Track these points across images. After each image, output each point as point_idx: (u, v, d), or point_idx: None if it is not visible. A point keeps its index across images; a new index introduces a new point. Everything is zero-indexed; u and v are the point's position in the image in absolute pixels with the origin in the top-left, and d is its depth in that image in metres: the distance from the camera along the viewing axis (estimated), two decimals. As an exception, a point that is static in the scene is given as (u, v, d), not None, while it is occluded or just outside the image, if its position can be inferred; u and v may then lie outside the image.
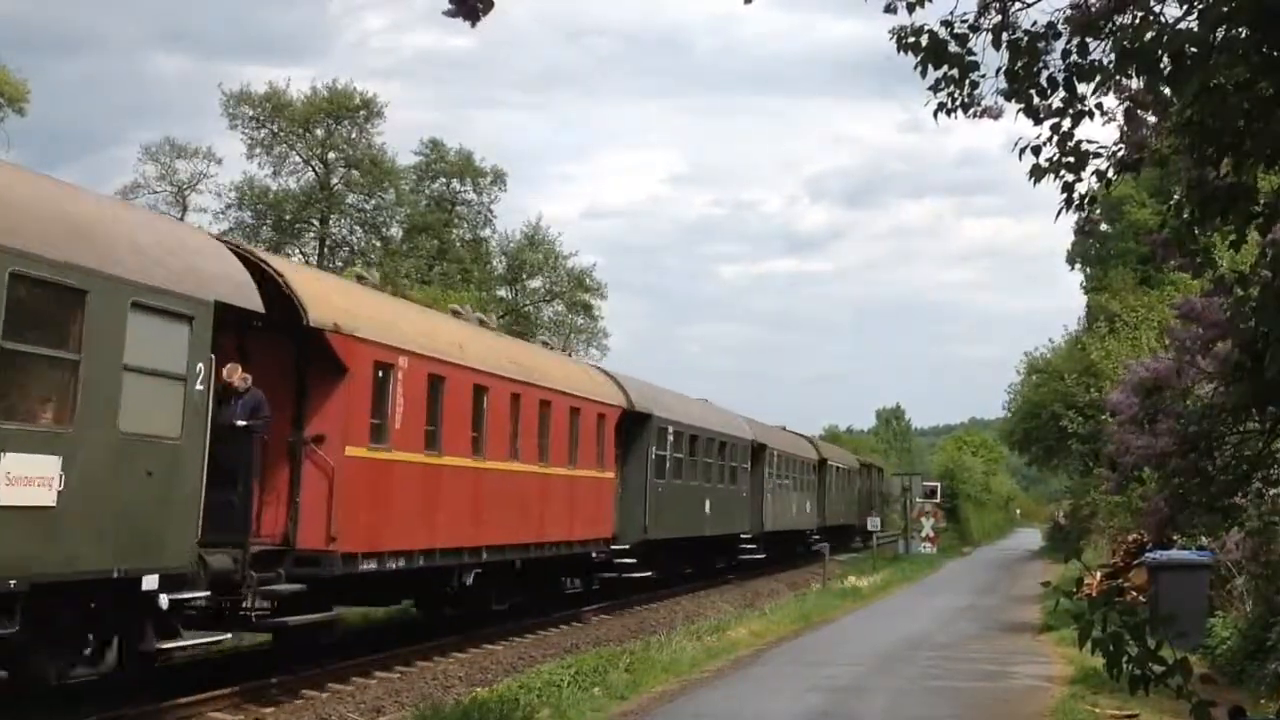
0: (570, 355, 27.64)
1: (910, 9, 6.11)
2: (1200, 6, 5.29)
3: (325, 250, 45.62)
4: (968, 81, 6.25)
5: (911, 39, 6.12)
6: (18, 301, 8.61)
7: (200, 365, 10.54)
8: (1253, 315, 6.80)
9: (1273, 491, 10.48)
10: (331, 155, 45.48)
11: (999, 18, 6.07)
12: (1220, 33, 4.99)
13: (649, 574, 22.77)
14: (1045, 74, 6.03)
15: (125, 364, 9.65)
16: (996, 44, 6.09)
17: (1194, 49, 5.03)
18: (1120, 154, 6.56)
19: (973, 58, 6.16)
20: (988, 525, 79.01)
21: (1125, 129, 6.51)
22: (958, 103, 6.35)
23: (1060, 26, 5.93)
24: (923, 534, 44.48)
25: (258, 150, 44.49)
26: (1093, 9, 5.80)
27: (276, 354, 12.86)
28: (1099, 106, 6.27)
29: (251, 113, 43.94)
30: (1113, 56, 5.68)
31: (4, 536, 8.43)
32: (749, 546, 30.71)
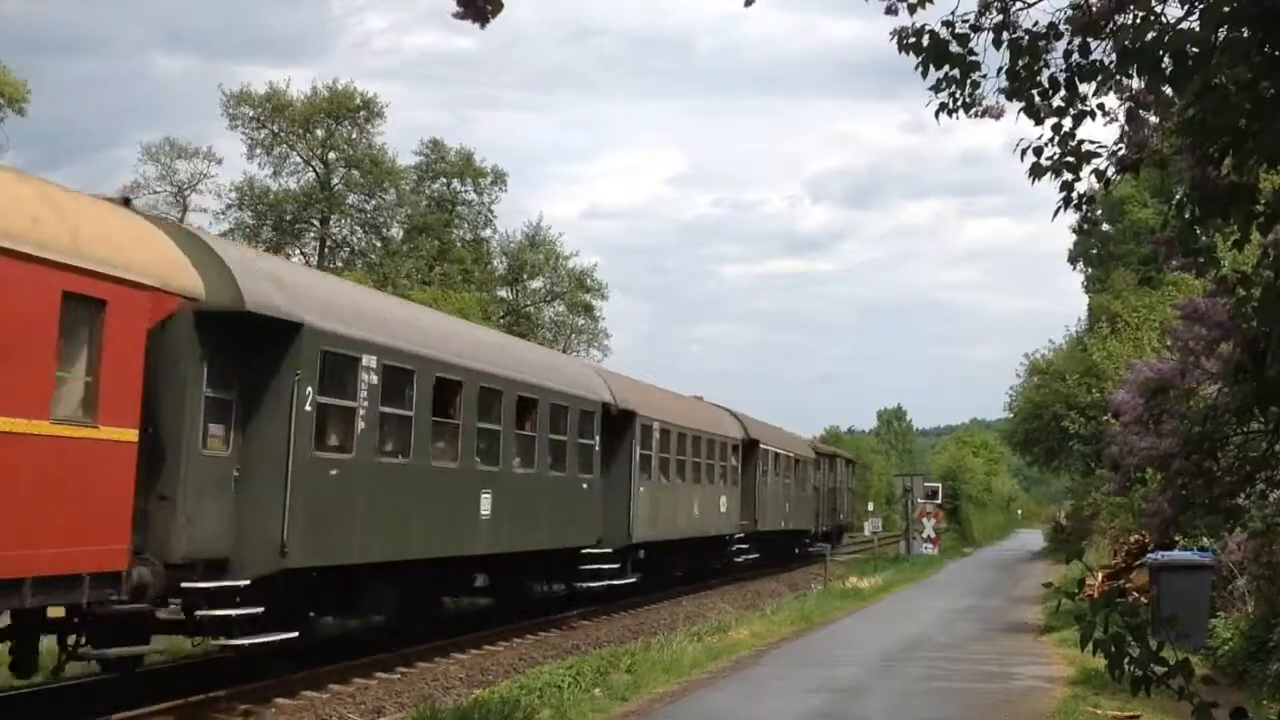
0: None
1: (911, 9, 6.10)
2: (1201, 6, 5.27)
3: (325, 251, 45.64)
4: (969, 81, 6.24)
5: (912, 39, 6.11)
6: None
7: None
8: (1255, 315, 6.78)
9: (1275, 493, 10.46)
10: (332, 155, 45.50)
11: (1000, 17, 6.06)
12: (1221, 33, 4.98)
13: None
14: (1046, 74, 6.02)
15: None
16: (997, 44, 6.08)
17: (1195, 49, 5.02)
18: (1121, 154, 6.55)
19: (974, 58, 6.16)
20: (989, 526, 78.99)
21: (1127, 129, 6.49)
22: (959, 103, 6.35)
23: (1061, 26, 5.92)
24: (924, 535, 44.43)
25: (258, 150, 44.54)
26: (1094, 9, 5.79)
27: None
28: (1100, 106, 6.27)
29: (252, 113, 43.98)
30: (1114, 56, 5.67)
31: None
32: (599, 567, 20.14)
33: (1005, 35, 6.05)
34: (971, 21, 6.10)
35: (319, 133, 44.93)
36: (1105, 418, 22.46)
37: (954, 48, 6.11)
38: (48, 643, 10.43)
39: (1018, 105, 6.19)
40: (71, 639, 10.24)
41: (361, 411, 12.83)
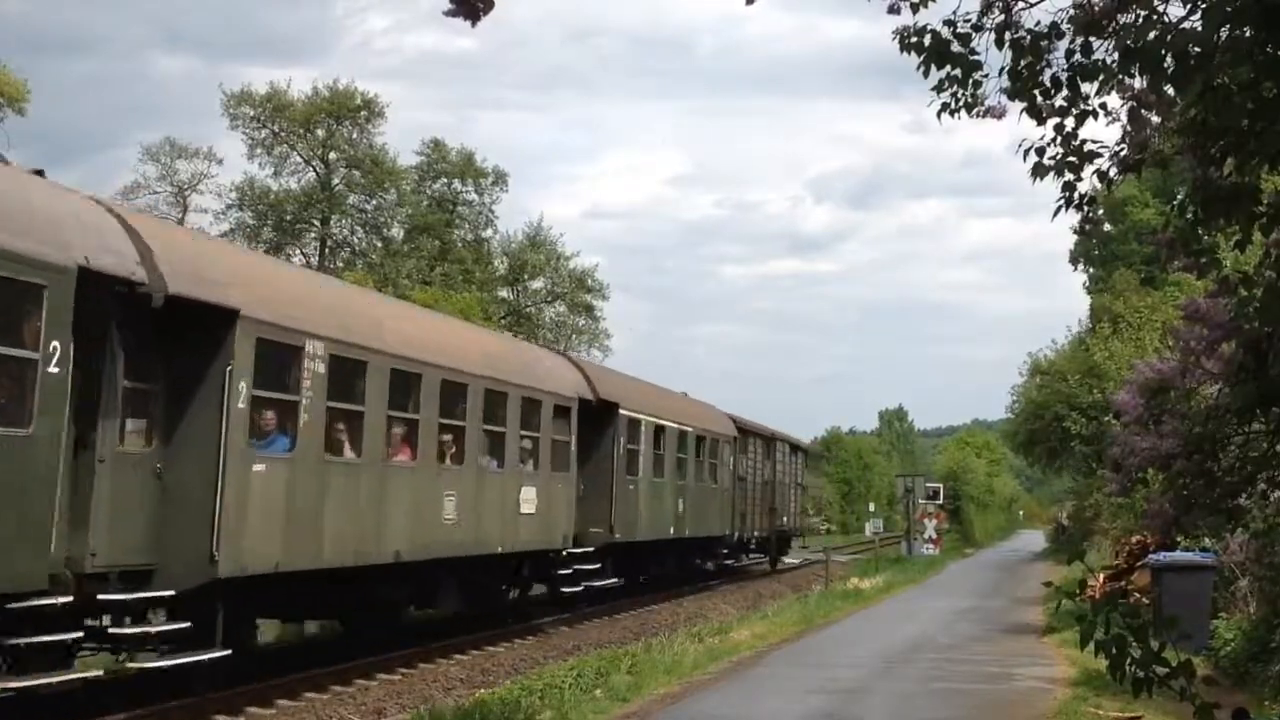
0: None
1: (914, 9, 6.09)
2: (1204, 6, 5.26)
3: (326, 251, 45.65)
4: (971, 81, 6.23)
5: (914, 39, 6.10)
6: None
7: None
8: (1256, 316, 6.78)
9: (1277, 493, 10.44)
10: (332, 155, 45.52)
11: (1002, 17, 6.05)
12: (1224, 33, 4.97)
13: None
14: (1048, 73, 6.01)
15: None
16: (999, 43, 6.07)
17: (1197, 49, 5.01)
18: (1123, 154, 6.54)
19: (976, 57, 6.15)
20: (990, 527, 79.03)
21: (1129, 129, 6.48)
22: (961, 103, 6.34)
23: (1063, 26, 5.91)
24: (925, 536, 44.41)
25: (258, 150, 44.56)
26: (1096, 8, 5.78)
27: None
28: (1103, 106, 6.25)
29: (252, 113, 43.99)
30: (1116, 56, 5.66)
31: None
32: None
33: (1007, 35, 6.04)
34: (973, 21, 6.09)
35: (319, 133, 44.95)
36: (1107, 418, 22.47)
37: (956, 47, 6.10)
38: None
39: (1020, 105, 6.18)
40: None
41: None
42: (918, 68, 6.11)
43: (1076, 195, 6.44)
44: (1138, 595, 16.79)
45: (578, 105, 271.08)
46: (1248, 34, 4.91)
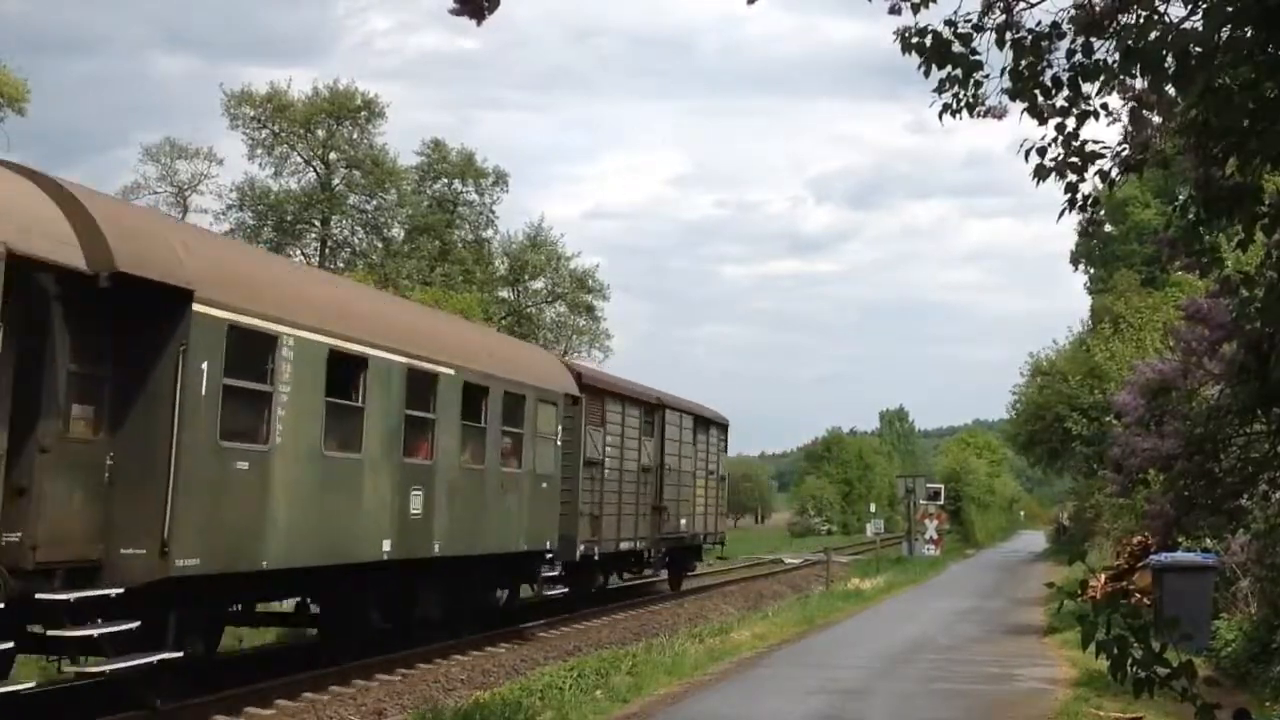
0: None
1: (915, 9, 6.08)
2: (1205, 6, 5.26)
3: (326, 251, 45.64)
4: (972, 81, 6.22)
5: (915, 39, 6.09)
6: None
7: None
8: (1258, 316, 6.77)
9: (1278, 494, 10.44)
10: (333, 156, 45.50)
11: (1003, 17, 6.05)
12: (1224, 33, 4.96)
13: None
14: (1049, 73, 6.01)
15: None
16: (1000, 44, 6.07)
17: (1198, 49, 5.00)
18: (1125, 154, 6.54)
19: (977, 58, 6.14)
20: (991, 527, 78.97)
21: (1130, 129, 6.48)
22: (962, 103, 6.33)
23: (1064, 26, 5.91)
24: (926, 536, 44.40)
25: (259, 151, 44.55)
26: (1097, 8, 5.77)
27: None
28: (1104, 106, 6.25)
29: (252, 113, 43.98)
30: (1117, 56, 5.65)
31: None
32: None
33: (1008, 35, 6.04)
34: (974, 21, 6.09)
35: (320, 133, 44.93)
36: (1108, 419, 22.44)
37: (957, 48, 6.09)
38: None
39: (1021, 105, 6.18)
40: None
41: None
42: (919, 68, 6.10)
43: (1079, 196, 6.44)
44: (1139, 596, 16.79)
45: (578, 105, 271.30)
46: (1248, 34, 4.90)
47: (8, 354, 8.52)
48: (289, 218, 44.62)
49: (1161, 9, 5.60)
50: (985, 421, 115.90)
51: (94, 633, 9.20)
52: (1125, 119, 6.45)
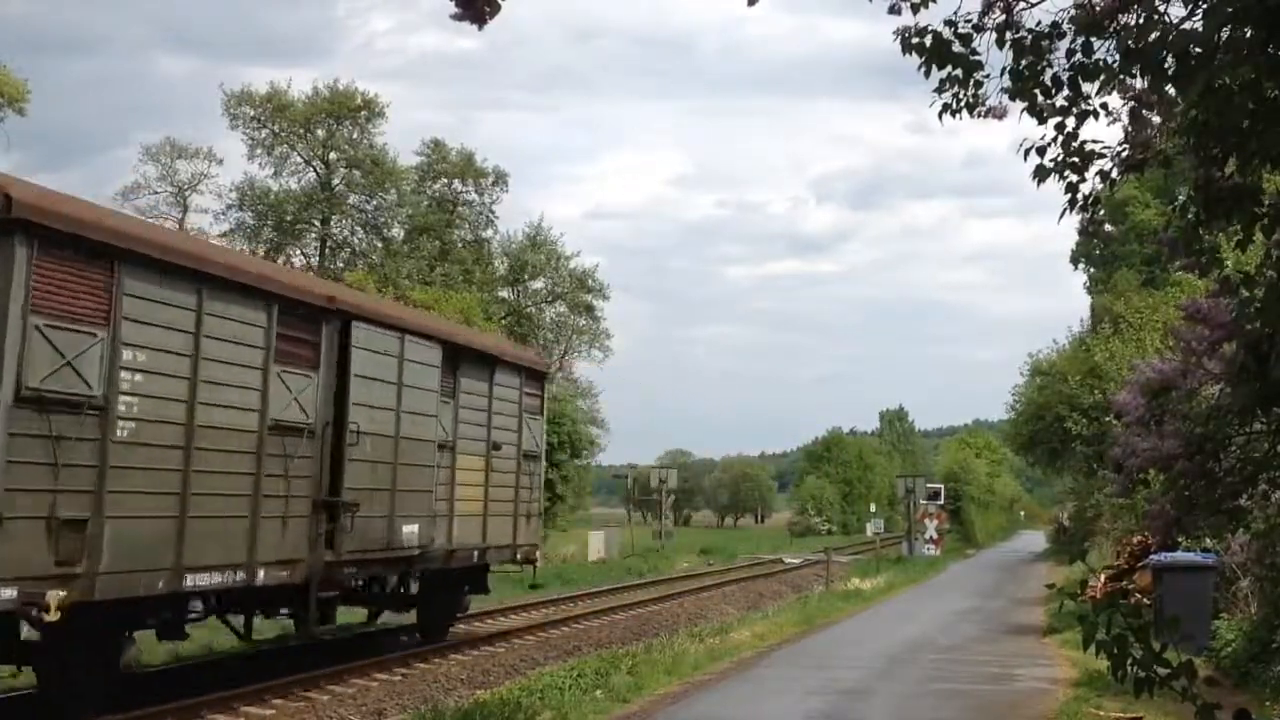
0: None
1: (914, 9, 6.08)
2: (1205, 6, 5.26)
3: (326, 251, 45.62)
4: (972, 81, 6.22)
5: (915, 40, 6.09)
6: None
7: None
8: (1258, 316, 6.77)
9: (1278, 494, 10.44)
10: (333, 156, 45.47)
11: (1003, 17, 6.04)
12: (1225, 33, 4.96)
13: None
14: (1049, 73, 6.00)
15: None
16: (1000, 43, 6.06)
17: (1198, 49, 5.00)
18: (1125, 154, 6.54)
19: (977, 58, 6.14)
20: (991, 527, 79.00)
21: (1130, 129, 6.48)
22: (962, 103, 6.33)
23: (1064, 26, 5.91)
24: (926, 536, 44.41)
25: (258, 151, 44.53)
26: (1097, 8, 5.77)
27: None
28: (1104, 106, 6.25)
29: (252, 113, 43.96)
30: (1117, 56, 5.65)
31: None
32: None
33: (1008, 35, 6.04)
34: (974, 21, 6.08)
35: (320, 133, 44.91)
36: (1108, 419, 22.44)
37: (957, 48, 6.09)
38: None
39: (1021, 105, 6.18)
40: None
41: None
42: (919, 68, 6.10)
43: (1080, 196, 6.44)
44: (1139, 596, 16.78)
45: (579, 105, 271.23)
46: (1249, 34, 4.90)
47: None
48: (289, 218, 44.58)
49: (1161, 9, 5.60)
50: (985, 421, 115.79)
51: None
52: (1125, 119, 6.45)
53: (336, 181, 45.73)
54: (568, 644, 17.31)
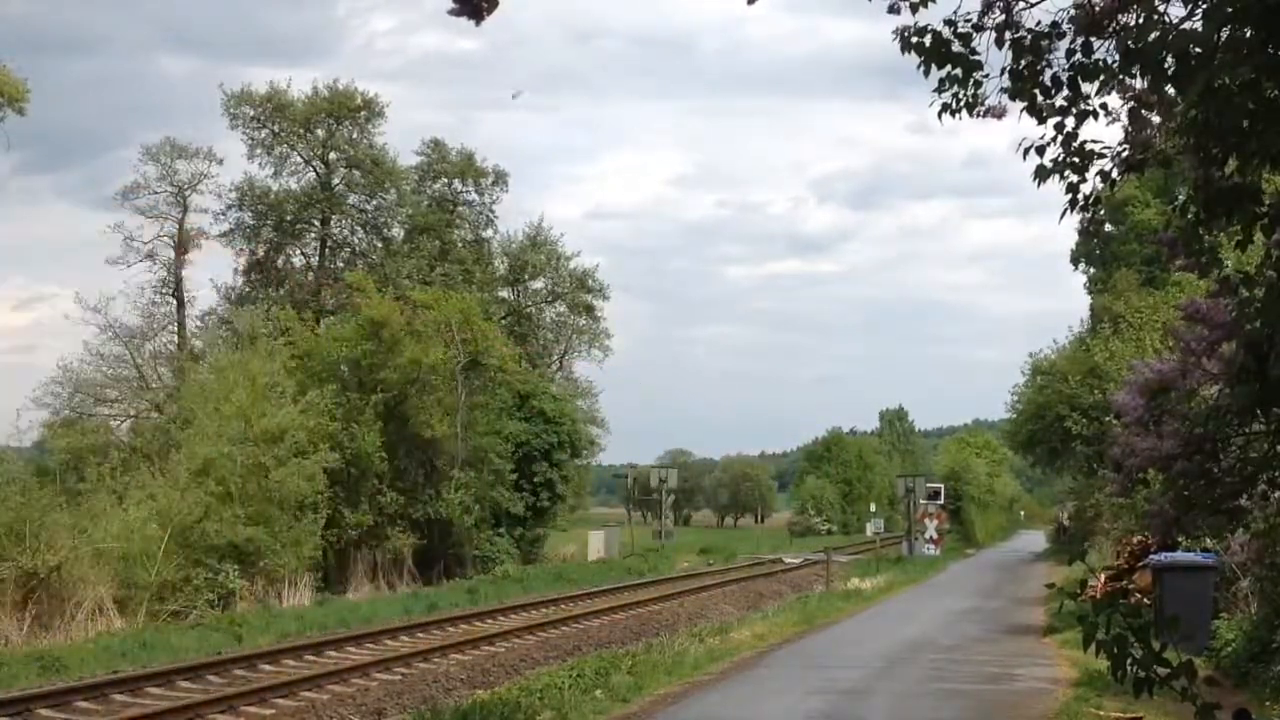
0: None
1: (914, 9, 6.08)
2: (1205, 6, 5.25)
3: (326, 251, 45.61)
4: (971, 81, 6.22)
5: (915, 39, 6.09)
6: None
7: None
8: (1257, 316, 6.76)
9: (1278, 494, 10.43)
10: (333, 155, 45.42)
11: (1002, 17, 6.04)
12: (1224, 33, 4.96)
13: None
14: (1049, 73, 6.00)
15: None
16: (1000, 43, 6.06)
17: (1198, 49, 5.00)
18: (1125, 154, 6.53)
19: (976, 57, 6.14)
20: (991, 527, 78.98)
21: (1130, 129, 6.48)
22: (962, 103, 6.32)
23: (1064, 26, 5.91)
24: (926, 536, 44.40)
25: (258, 150, 44.49)
26: (1096, 8, 5.77)
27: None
28: (1104, 106, 6.25)
29: (252, 113, 43.92)
30: (1116, 56, 5.65)
31: None
32: None
33: (1008, 34, 6.03)
34: (974, 21, 6.08)
35: (319, 133, 44.86)
36: (1108, 419, 22.45)
37: (956, 47, 6.09)
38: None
39: (1020, 105, 6.17)
40: None
41: None
42: (918, 68, 6.10)
43: (1080, 196, 6.43)
44: (1139, 596, 16.78)
45: (579, 105, 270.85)
46: (1248, 34, 4.90)
47: None
48: (289, 217, 44.53)
49: (1161, 9, 5.60)
50: (985, 421, 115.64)
51: None
52: (1125, 119, 6.45)
53: (336, 181, 45.71)
54: (568, 644, 17.31)
